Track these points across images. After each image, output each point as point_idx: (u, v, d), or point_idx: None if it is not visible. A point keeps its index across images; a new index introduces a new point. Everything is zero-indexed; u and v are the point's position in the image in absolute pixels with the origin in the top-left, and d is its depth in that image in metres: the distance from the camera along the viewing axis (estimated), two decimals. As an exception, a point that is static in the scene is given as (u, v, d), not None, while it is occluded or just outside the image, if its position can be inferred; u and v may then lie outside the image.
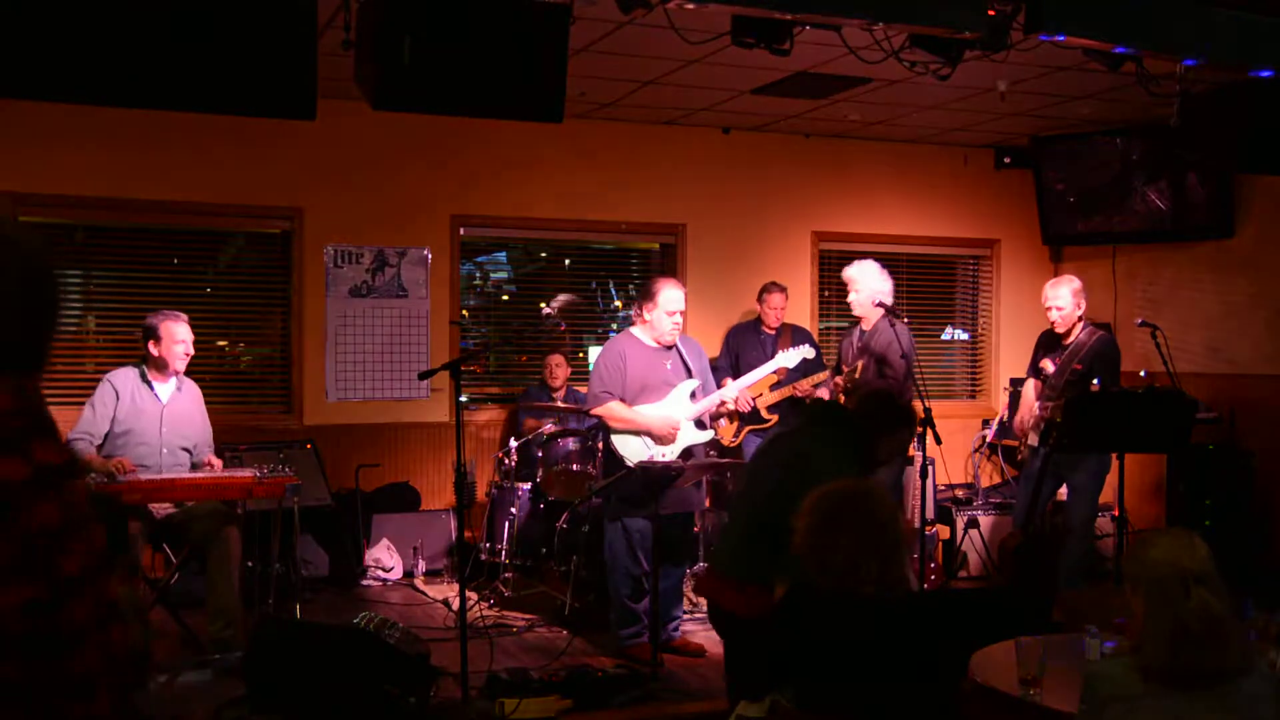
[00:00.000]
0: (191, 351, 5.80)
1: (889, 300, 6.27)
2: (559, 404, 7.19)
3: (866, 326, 6.33)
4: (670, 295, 5.62)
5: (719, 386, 6.17)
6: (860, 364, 6.19)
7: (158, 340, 5.70)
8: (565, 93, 4.69)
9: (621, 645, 5.64)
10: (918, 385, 6.01)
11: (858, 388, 6.08)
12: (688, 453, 5.72)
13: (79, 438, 5.54)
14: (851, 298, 6.35)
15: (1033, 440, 6.40)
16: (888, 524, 2.96)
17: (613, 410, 5.60)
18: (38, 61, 4.12)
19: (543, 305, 8.32)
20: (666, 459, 5.56)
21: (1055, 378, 6.28)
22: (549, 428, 6.98)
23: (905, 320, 6.49)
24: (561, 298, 8.22)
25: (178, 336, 5.71)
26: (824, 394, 6.45)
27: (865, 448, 3.92)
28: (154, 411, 5.72)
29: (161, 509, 5.64)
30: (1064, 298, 6.28)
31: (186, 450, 5.80)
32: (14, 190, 6.92)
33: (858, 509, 2.96)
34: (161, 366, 5.73)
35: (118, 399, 5.66)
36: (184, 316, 5.80)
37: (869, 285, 6.27)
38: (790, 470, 3.81)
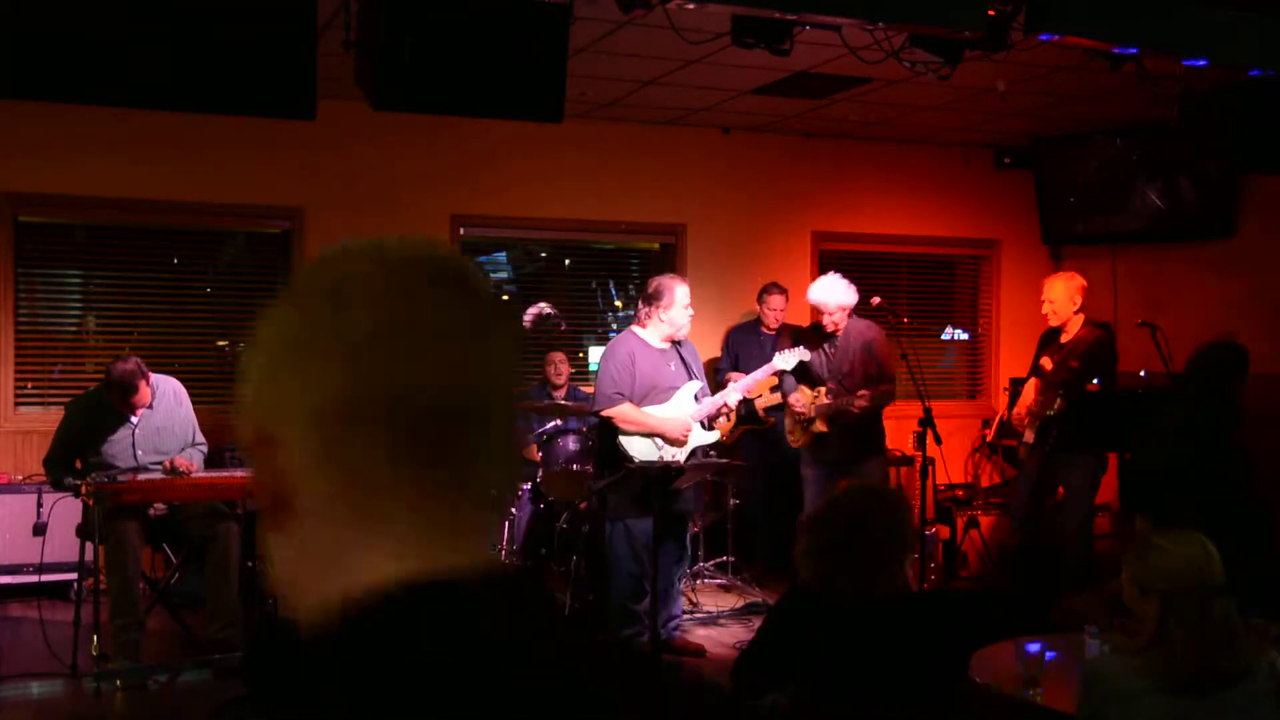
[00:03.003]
0: (147, 401, 5.66)
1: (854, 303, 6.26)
2: (560, 402, 7.18)
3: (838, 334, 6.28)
4: (682, 289, 5.69)
5: (721, 386, 6.18)
6: (846, 367, 6.17)
7: (111, 388, 5.59)
8: (565, 93, 4.69)
9: (621, 645, 5.63)
10: (917, 383, 6.02)
11: (883, 394, 6.04)
12: (693, 454, 5.73)
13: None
14: (829, 319, 6.21)
15: (1028, 438, 6.40)
16: (891, 530, 2.96)
17: (625, 412, 5.58)
18: (39, 61, 4.12)
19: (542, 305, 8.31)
20: (679, 460, 5.57)
21: (1052, 375, 6.29)
22: (549, 426, 6.98)
23: (905, 320, 6.49)
24: (533, 311, 8.09)
25: (130, 395, 5.59)
26: (801, 407, 6.34)
27: (1224, 391, 4.99)
28: (125, 434, 5.65)
29: (160, 509, 5.63)
30: (1056, 290, 6.32)
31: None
32: (14, 190, 6.92)
33: (862, 514, 2.95)
34: None
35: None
36: (133, 369, 5.58)
37: (840, 300, 6.21)
38: (1164, 428, 4.95)
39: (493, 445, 0.84)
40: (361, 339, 0.80)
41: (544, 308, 8.04)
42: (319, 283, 0.83)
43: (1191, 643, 2.52)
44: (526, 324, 7.25)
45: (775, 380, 6.92)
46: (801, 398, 6.27)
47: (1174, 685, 2.53)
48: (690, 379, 5.76)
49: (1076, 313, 6.34)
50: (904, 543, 2.97)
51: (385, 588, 0.77)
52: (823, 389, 6.24)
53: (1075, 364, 6.20)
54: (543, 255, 8.51)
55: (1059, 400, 6.15)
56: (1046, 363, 6.38)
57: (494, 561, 0.84)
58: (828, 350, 6.28)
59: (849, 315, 6.23)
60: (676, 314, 5.66)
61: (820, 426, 6.20)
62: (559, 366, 7.50)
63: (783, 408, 7.22)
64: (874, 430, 6.30)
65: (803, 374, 6.33)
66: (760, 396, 7.16)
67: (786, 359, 6.20)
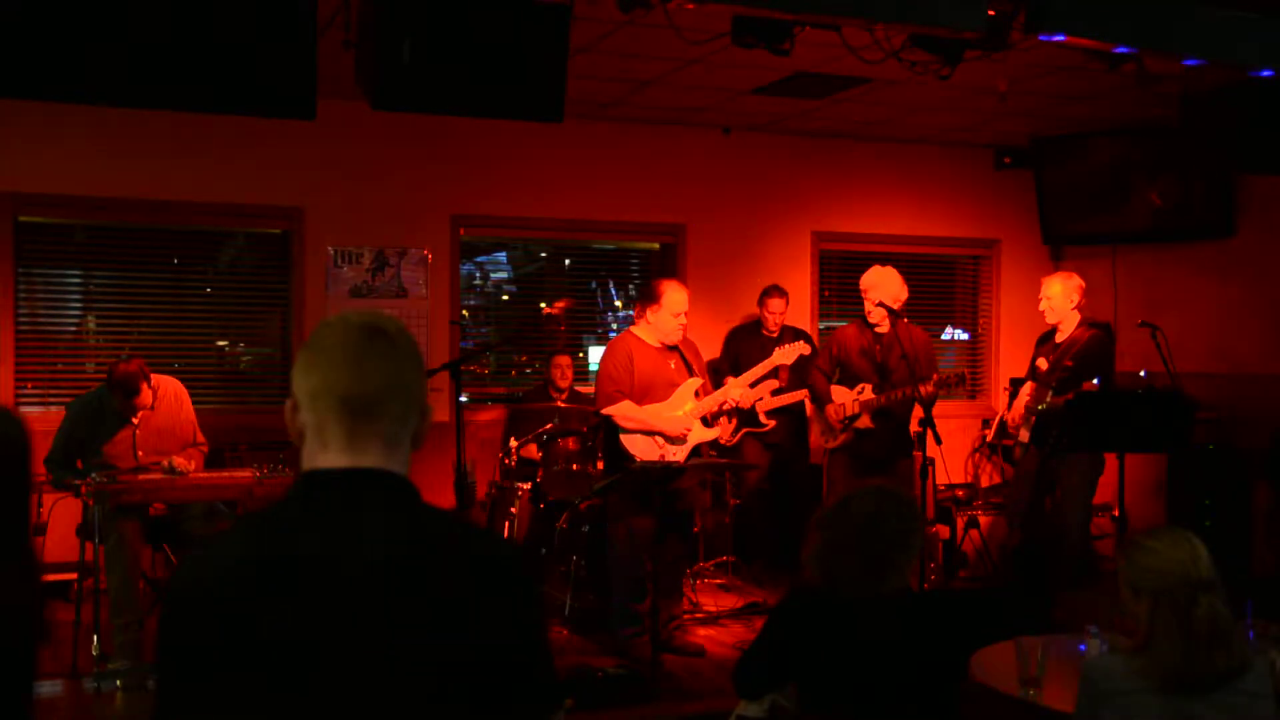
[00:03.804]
0: (149, 403, 5.64)
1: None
2: (559, 405, 7.18)
3: (882, 329, 6.28)
4: (675, 297, 5.63)
5: (719, 386, 6.18)
6: (893, 363, 6.18)
7: (113, 389, 5.56)
8: (565, 93, 4.69)
9: (622, 645, 5.64)
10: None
11: (943, 380, 5.98)
12: (695, 451, 5.73)
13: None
14: (876, 312, 6.24)
15: (1024, 437, 6.40)
16: (901, 534, 2.95)
17: (625, 410, 5.59)
18: (38, 61, 4.12)
19: (542, 305, 8.30)
20: (678, 458, 5.57)
21: (1046, 375, 6.29)
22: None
23: (905, 320, 6.48)
24: (550, 311, 8.13)
25: (132, 397, 5.57)
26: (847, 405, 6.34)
27: None
28: (126, 435, 5.65)
29: (159, 509, 5.62)
30: (1054, 289, 6.34)
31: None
32: (14, 190, 6.92)
33: (874, 516, 2.95)
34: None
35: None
36: (135, 371, 5.57)
37: (896, 293, 6.25)
38: None
39: (395, 415, 1.60)
40: (324, 360, 1.60)
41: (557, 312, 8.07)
42: (316, 329, 1.64)
43: (1178, 642, 2.53)
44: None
45: (776, 383, 6.92)
46: (843, 394, 6.28)
47: (1167, 685, 2.54)
48: (690, 376, 5.75)
49: (1074, 311, 6.34)
50: (912, 547, 2.97)
51: (319, 470, 1.60)
52: (867, 385, 6.24)
53: (1070, 363, 6.20)
54: (543, 255, 8.51)
55: (1050, 395, 6.15)
56: (1042, 364, 6.39)
57: (391, 470, 1.61)
58: (872, 347, 6.29)
59: (888, 316, 6.23)
60: (663, 319, 5.63)
61: (865, 422, 6.21)
62: (564, 371, 7.51)
63: (786, 411, 7.24)
64: (908, 430, 6.34)
65: (843, 372, 6.36)
66: (761, 399, 7.15)
67: (787, 353, 6.21)
